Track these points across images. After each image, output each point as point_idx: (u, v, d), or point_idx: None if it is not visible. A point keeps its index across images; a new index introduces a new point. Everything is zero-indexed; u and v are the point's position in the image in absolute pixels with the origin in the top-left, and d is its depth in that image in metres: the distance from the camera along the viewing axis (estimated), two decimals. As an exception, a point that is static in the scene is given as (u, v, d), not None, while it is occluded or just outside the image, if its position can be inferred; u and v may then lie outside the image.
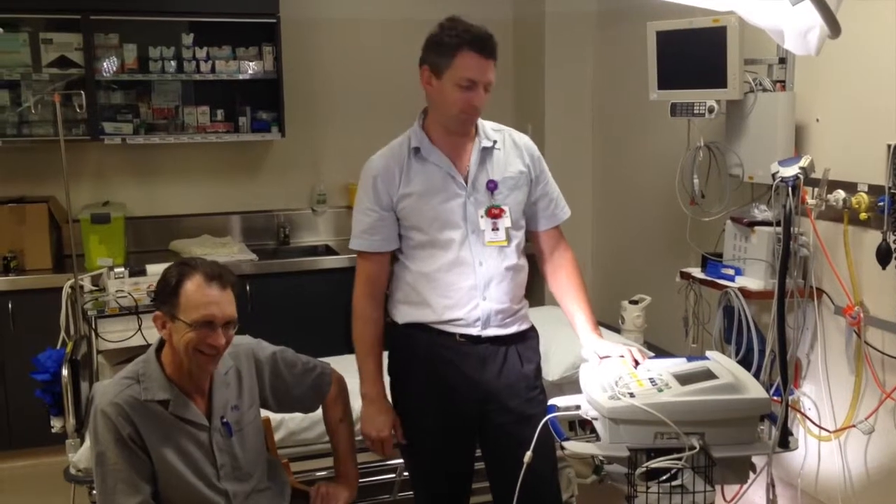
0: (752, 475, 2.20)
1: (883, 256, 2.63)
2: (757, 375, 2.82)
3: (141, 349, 2.27)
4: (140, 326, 3.33)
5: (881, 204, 2.65)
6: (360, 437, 2.79)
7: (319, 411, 2.50)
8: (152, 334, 2.19)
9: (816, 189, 2.82)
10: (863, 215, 2.71)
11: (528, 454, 2.12)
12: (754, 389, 2.11)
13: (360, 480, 2.53)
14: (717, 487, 2.15)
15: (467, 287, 2.32)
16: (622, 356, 2.33)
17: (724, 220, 3.24)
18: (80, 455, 2.68)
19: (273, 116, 4.61)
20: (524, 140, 2.47)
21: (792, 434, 2.24)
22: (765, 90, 3.06)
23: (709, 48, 3.03)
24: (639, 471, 2.01)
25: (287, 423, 2.83)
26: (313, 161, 4.94)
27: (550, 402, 2.31)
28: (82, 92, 3.88)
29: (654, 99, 3.30)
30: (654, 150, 4.07)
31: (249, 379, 2.30)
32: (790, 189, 2.39)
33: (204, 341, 2.08)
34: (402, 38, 4.84)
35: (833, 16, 1.92)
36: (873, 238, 2.70)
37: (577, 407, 2.25)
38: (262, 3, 4.44)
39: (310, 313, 4.32)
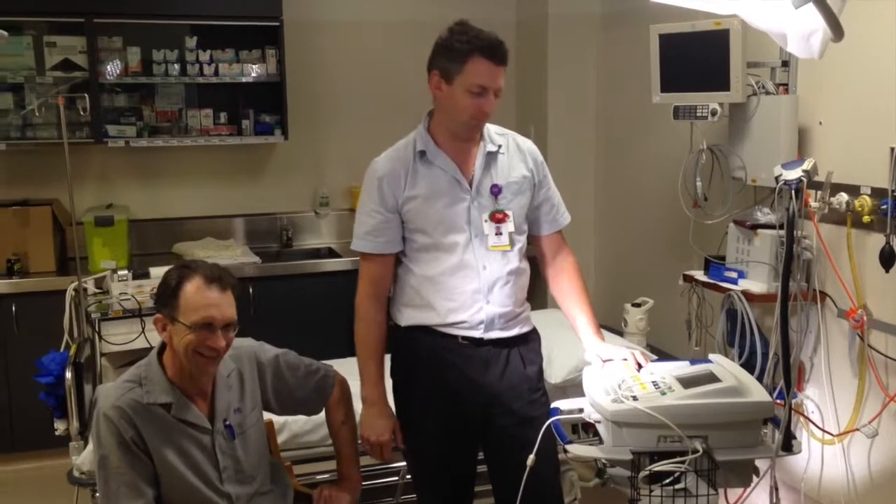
0: (755, 478, 2.20)
1: (886, 259, 2.62)
2: (760, 379, 2.82)
3: (144, 352, 2.27)
4: (143, 329, 3.33)
5: (884, 207, 2.64)
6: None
7: (322, 414, 2.50)
8: (155, 337, 2.19)
9: (819, 192, 2.82)
10: (866, 218, 2.71)
11: (531, 457, 2.12)
12: (757, 393, 2.11)
13: (363, 483, 2.53)
14: (721, 491, 2.15)
15: (471, 291, 2.32)
16: (625, 359, 2.33)
17: (726, 222, 3.24)
18: (84, 458, 2.68)
19: (276, 119, 4.62)
20: (528, 144, 2.47)
21: (795, 437, 2.24)
22: (768, 93, 3.06)
23: (712, 51, 3.03)
24: (642, 474, 2.01)
25: (290, 425, 2.83)
26: (316, 164, 4.94)
27: (554, 404, 2.31)
28: (86, 95, 3.89)
29: (657, 102, 3.30)
30: (657, 152, 4.07)
31: (252, 381, 2.31)
32: (793, 192, 2.39)
33: (203, 343, 2.08)
34: (405, 40, 4.86)
35: (836, 19, 1.92)
36: (876, 241, 2.69)
37: (580, 410, 2.25)
38: (266, 6, 4.44)
39: (312, 316, 4.33)
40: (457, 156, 2.34)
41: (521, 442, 2.25)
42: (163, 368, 2.16)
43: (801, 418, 3.05)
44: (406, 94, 4.81)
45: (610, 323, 3.74)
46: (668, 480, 2.02)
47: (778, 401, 2.32)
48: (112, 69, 4.34)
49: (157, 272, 3.42)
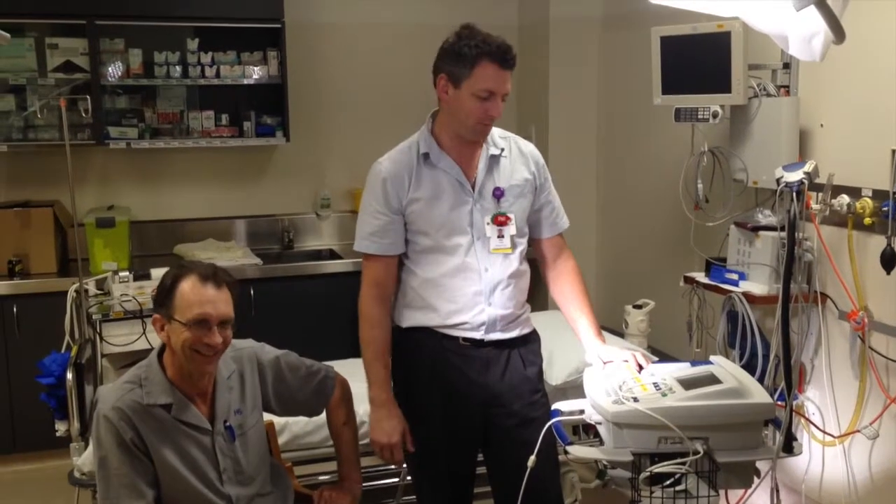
0: (756, 480, 2.20)
1: (887, 261, 2.62)
2: (761, 380, 2.81)
3: (145, 353, 2.27)
4: (144, 330, 3.34)
5: (885, 209, 2.64)
6: (364, 441, 2.80)
7: (323, 415, 2.50)
8: (156, 338, 2.20)
9: (821, 194, 2.82)
10: (867, 220, 2.71)
11: (532, 458, 2.12)
12: (758, 394, 2.11)
13: (364, 485, 2.53)
14: (721, 492, 2.15)
15: (472, 293, 2.33)
16: (626, 361, 2.33)
17: (728, 224, 3.24)
18: (85, 459, 2.69)
19: (278, 121, 4.62)
20: (529, 148, 2.48)
21: (796, 439, 2.24)
22: (769, 95, 3.06)
23: (713, 53, 3.03)
24: (642, 475, 2.01)
25: (291, 426, 2.83)
26: (317, 165, 4.95)
27: (554, 406, 2.31)
28: (88, 97, 3.91)
29: (659, 104, 3.31)
30: (658, 154, 4.07)
31: (252, 383, 2.31)
32: (794, 194, 2.39)
33: (200, 341, 2.08)
34: (406, 42, 4.87)
35: (837, 21, 1.92)
36: (877, 243, 2.69)
37: (581, 411, 2.25)
38: (267, 9, 4.45)
39: (313, 317, 4.33)
40: (460, 158, 2.34)
41: (521, 443, 2.25)
42: (163, 369, 2.16)
43: (802, 420, 3.05)
44: (407, 96, 4.83)
45: (611, 324, 3.74)
46: (668, 482, 2.02)
47: (779, 402, 2.33)
48: (114, 71, 4.35)
49: (158, 273, 3.41)
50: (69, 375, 2.82)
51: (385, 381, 2.35)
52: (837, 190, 2.80)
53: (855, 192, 2.77)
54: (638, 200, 4.36)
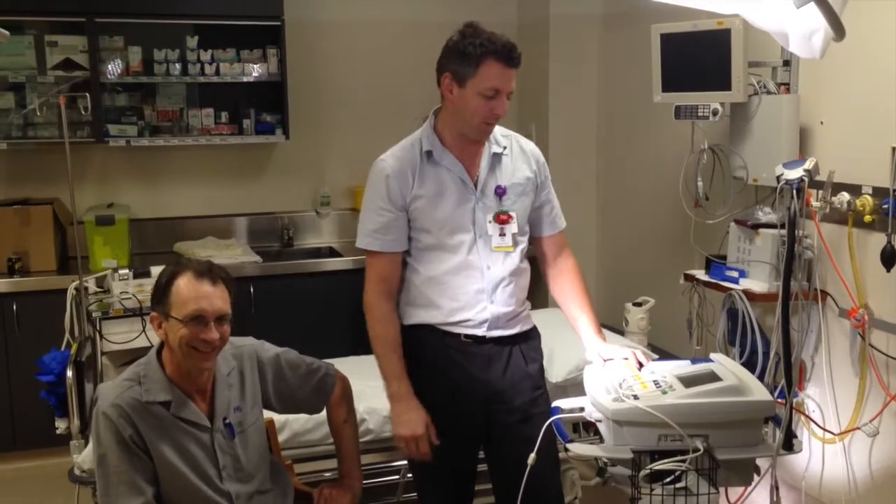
0: (756, 477, 2.20)
1: (887, 259, 2.62)
2: (761, 378, 2.82)
3: (145, 350, 2.27)
4: (144, 328, 3.34)
5: (885, 206, 2.64)
6: (365, 439, 2.80)
7: (324, 413, 2.50)
8: (156, 336, 2.20)
9: (821, 191, 2.82)
10: (867, 218, 2.71)
11: (532, 456, 2.12)
12: (758, 392, 2.11)
13: (364, 482, 2.53)
14: (721, 489, 2.15)
15: (475, 290, 2.33)
16: (626, 358, 2.33)
17: (728, 222, 3.24)
18: (85, 456, 2.69)
19: (277, 119, 4.62)
20: (530, 146, 2.48)
21: (796, 436, 2.25)
22: (769, 93, 3.06)
23: (713, 51, 3.03)
24: (642, 473, 2.01)
25: (291, 424, 2.83)
26: (317, 163, 4.94)
27: (554, 403, 2.32)
28: (87, 94, 3.89)
29: (659, 101, 3.31)
30: (658, 152, 4.07)
31: (252, 380, 2.31)
32: (795, 191, 2.39)
33: (197, 337, 2.08)
34: (406, 40, 4.87)
35: (837, 18, 1.92)
36: (878, 240, 2.69)
37: (581, 409, 2.25)
38: (267, 6, 4.44)
39: (313, 315, 4.33)
40: (463, 156, 2.34)
41: (521, 439, 2.25)
42: (162, 367, 2.16)
43: (802, 417, 3.05)
44: (407, 93, 4.82)
45: (611, 322, 3.74)
46: (668, 479, 2.02)
47: (779, 400, 2.32)
48: (113, 68, 4.35)
49: (158, 271, 3.43)
50: (69, 373, 2.82)
51: (402, 374, 2.32)
52: (838, 187, 2.80)
53: (855, 190, 2.77)
54: (638, 198, 4.36)
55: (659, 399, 2.06)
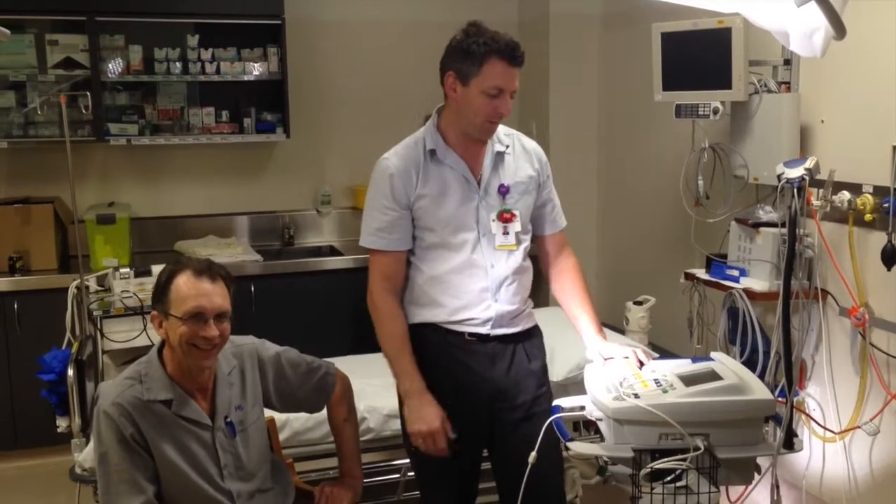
0: (756, 476, 2.20)
1: (888, 258, 2.62)
2: (762, 377, 2.82)
3: (146, 349, 2.28)
4: (145, 326, 3.34)
5: (886, 205, 2.64)
6: (366, 437, 2.81)
7: (324, 411, 2.50)
8: (157, 334, 2.20)
9: (821, 190, 2.81)
10: (868, 216, 2.71)
11: (533, 454, 2.13)
12: (759, 391, 2.11)
13: (365, 481, 2.54)
14: (722, 488, 2.15)
15: (479, 289, 2.33)
16: (627, 357, 2.33)
17: (728, 221, 3.24)
18: (86, 455, 2.69)
19: (278, 118, 4.62)
20: (532, 145, 2.48)
21: (797, 435, 2.24)
22: (770, 91, 3.05)
23: (714, 50, 3.03)
24: (643, 472, 2.01)
25: (292, 423, 2.83)
26: (318, 162, 4.95)
27: (555, 402, 2.31)
28: (88, 93, 3.90)
29: (659, 100, 3.30)
30: (659, 151, 4.07)
31: (253, 379, 2.31)
32: (795, 190, 2.38)
33: (197, 334, 2.09)
34: (407, 39, 4.87)
35: (838, 17, 1.92)
36: (878, 239, 2.69)
37: (582, 408, 2.25)
38: (267, 5, 4.44)
39: (314, 314, 4.33)
40: (466, 155, 2.34)
41: (524, 437, 2.25)
42: (163, 365, 2.16)
43: (803, 416, 3.05)
44: (407, 92, 4.83)
45: (612, 321, 3.74)
46: (669, 478, 2.02)
47: (779, 399, 2.32)
48: (114, 67, 4.35)
49: (159, 270, 3.43)
50: (70, 372, 2.83)
51: (414, 370, 2.30)
52: (838, 186, 2.80)
53: (856, 189, 2.77)
54: (639, 197, 4.36)
55: (659, 398, 2.06)
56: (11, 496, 3.84)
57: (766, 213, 3.08)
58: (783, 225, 2.85)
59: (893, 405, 2.73)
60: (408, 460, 2.89)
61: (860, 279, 2.82)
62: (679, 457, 1.99)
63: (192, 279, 2.11)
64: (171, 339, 2.12)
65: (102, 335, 3.48)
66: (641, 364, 2.31)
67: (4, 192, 4.42)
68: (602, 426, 2.16)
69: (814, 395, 3.05)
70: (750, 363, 2.95)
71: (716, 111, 3.08)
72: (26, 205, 4.21)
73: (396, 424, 2.89)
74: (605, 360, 2.36)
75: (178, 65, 4.42)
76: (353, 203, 4.98)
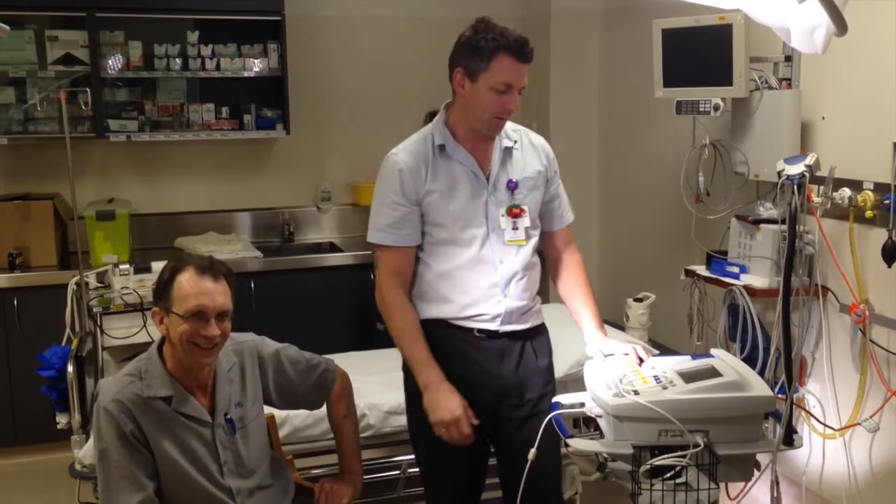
0: (756, 473, 2.20)
1: (888, 254, 2.62)
2: (762, 373, 2.82)
3: (146, 346, 2.27)
4: (145, 323, 3.34)
5: (887, 202, 2.64)
6: (366, 434, 2.81)
7: (324, 408, 2.50)
8: (157, 331, 2.20)
9: (822, 187, 2.81)
10: (868, 213, 2.71)
11: (532, 451, 2.13)
12: (759, 387, 2.11)
13: (365, 477, 2.54)
14: (722, 485, 2.15)
15: (488, 285, 2.32)
16: (626, 354, 2.33)
17: (729, 217, 3.24)
18: (86, 451, 2.69)
19: (278, 114, 4.62)
20: (540, 140, 2.48)
21: (796, 432, 2.25)
22: (771, 88, 3.05)
23: (715, 46, 3.02)
24: (643, 468, 2.02)
25: (291, 419, 2.83)
26: (318, 158, 4.94)
27: (555, 399, 2.31)
28: (88, 89, 3.90)
29: (660, 97, 3.30)
30: (660, 147, 4.07)
31: (253, 376, 2.31)
32: (796, 187, 2.38)
33: (198, 333, 2.09)
34: (407, 36, 4.86)
35: (840, 13, 1.91)
36: (879, 236, 2.69)
37: (582, 404, 2.25)
38: (267, 1, 4.44)
39: (314, 310, 4.33)
40: (475, 151, 2.34)
41: (529, 435, 2.24)
42: (163, 362, 2.16)
43: (803, 413, 3.05)
44: (408, 89, 4.82)
45: (612, 317, 3.74)
46: (669, 474, 2.02)
47: (779, 395, 2.33)
48: (114, 63, 4.34)
49: (159, 266, 3.40)
50: (70, 368, 2.83)
51: (430, 361, 2.27)
52: (839, 183, 2.79)
53: (856, 185, 2.77)
54: (639, 194, 4.36)
55: (659, 394, 2.06)
56: (11, 492, 3.84)
57: (766, 210, 3.08)
58: (783, 222, 2.85)
59: (893, 402, 2.73)
60: (408, 457, 2.91)
61: (860, 276, 2.82)
62: (679, 453, 1.99)
63: (194, 277, 2.11)
64: (171, 337, 2.12)
65: (102, 332, 3.48)
66: (641, 361, 2.31)
67: (4, 189, 4.42)
68: (602, 423, 2.16)
69: (814, 392, 3.05)
70: (750, 360, 2.95)
71: (716, 108, 3.08)
72: (26, 201, 4.20)
73: (396, 421, 2.91)
74: (605, 356, 2.36)
75: (178, 61, 4.42)
76: (353, 200, 4.98)
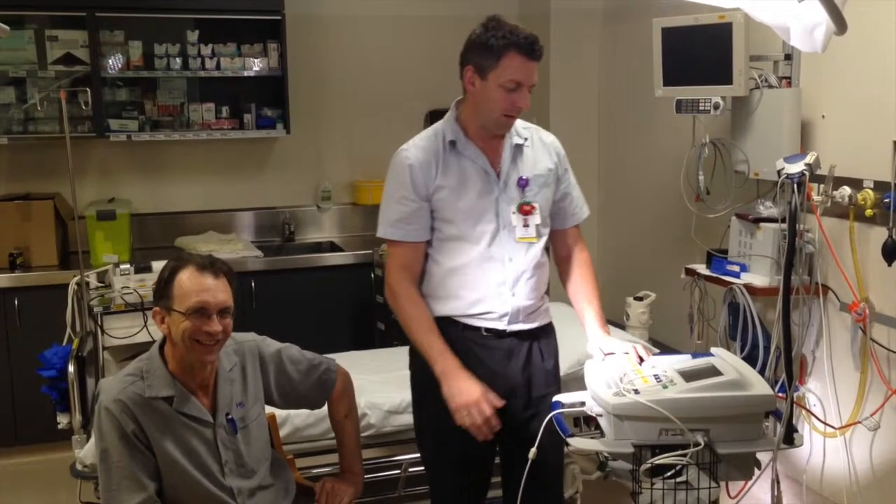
0: (756, 471, 2.20)
1: (889, 253, 2.62)
2: (762, 372, 2.82)
3: (146, 345, 2.28)
4: (146, 323, 3.34)
5: (887, 200, 2.64)
6: (366, 434, 2.81)
7: (325, 407, 2.50)
8: (158, 331, 2.20)
9: (822, 185, 2.81)
10: (868, 212, 2.71)
11: (533, 451, 2.13)
12: (759, 386, 2.11)
13: (365, 476, 2.54)
14: (722, 484, 2.15)
15: (496, 283, 2.32)
16: (627, 353, 2.33)
17: (729, 216, 3.24)
18: (87, 451, 2.69)
19: (278, 113, 4.62)
20: (550, 138, 2.49)
21: (797, 430, 2.24)
22: (770, 87, 3.05)
23: (714, 45, 3.02)
24: (643, 467, 2.02)
25: (292, 419, 2.83)
26: (318, 158, 4.94)
27: (555, 398, 2.31)
28: (88, 89, 3.90)
29: (660, 95, 3.30)
30: (660, 146, 4.07)
31: (254, 376, 2.31)
32: (796, 185, 2.38)
33: (200, 330, 2.09)
34: (407, 35, 4.86)
35: (839, 12, 1.92)
36: (879, 234, 2.69)
37: (582, 403, 2.25)
38: (267, 1, 4.44)
39: (314, 310, 4.33)
40: (486, 148, 2.34)
41: (533, 435, 2.24)
42: (164, 362, 2.16)
43: (803, 411, 3.05)
44: (408, 88, 4.82)
45: (612, 316, 3.72)
46: (669, 473, 2.02)
47: (780, 394, 2.33)
48: (114, 63, 4.34)
49: (159, 266, 3.40)
50: (70, 368, 2.83)
51: (445, 350, 2.26)
52: (839, 181, 2.79)
53: (856, 184, 2.77)
54: (639, 192, 4.36)
55: (660, 393, 2.06)
56: (12, 492, 3.85)
57: (766, 209, 3.08)
58: (784, 220, 2.85)
59: (894, 400, 2.73)
60: (408, 456, 2.91)
61: (861, 274, 2.82)
62: (679, 452, 1.99)
63: (195, 275, 2.11)
64: (173, 335, 2.12)
65: (103, 331, 3.48)
66: (641, 360, 2.31)
67: (5, 189, 4.42)
68: (602, 422, 2.16)
69: (814, 391, 3.05)
70: (750, 359, 2.95)
71: (716, 106, 3.08)
72: (27, 201, 4.20)
73: (397, 420, 2.91)
74: (605, 354, 2.36)
75: (178, 60, 4.42)
76: (353, 199, 4.98)
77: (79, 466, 2.70)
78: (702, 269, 3.33)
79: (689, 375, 2.12)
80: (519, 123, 2.40)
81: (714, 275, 3.24)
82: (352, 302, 4.41)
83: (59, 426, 2.92)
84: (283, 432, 2.73)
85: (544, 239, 2.40)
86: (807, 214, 2.92)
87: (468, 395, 2.20)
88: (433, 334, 2.28)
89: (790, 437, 2.19)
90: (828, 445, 2.99)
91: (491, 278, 2.32)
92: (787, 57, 3.06)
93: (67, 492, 3.05)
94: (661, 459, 2.00)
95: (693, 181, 3.31)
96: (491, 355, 2.33)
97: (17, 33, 4.18)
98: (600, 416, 2.16)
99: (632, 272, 4.45)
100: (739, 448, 2.07)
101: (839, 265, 2.88)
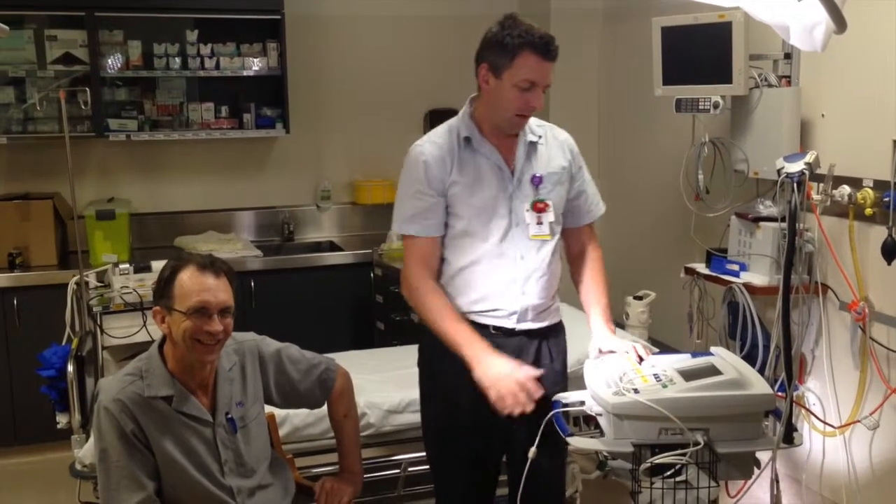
0: (756, 471, 2.20)
1: (888, 252, 2.62)
2: (761, 371, 2.82)
3: (146, 345, 2.27)
4: (145, 322, 3.34)
5: (886, 199, 2.64)
6: (366, 433, 2.80)
7: (325, 407, 2.50)
8: (157, 330, 2.20)
9: (822, 184, 2.81)
10: (868, 211, 2.71)
11: (533, 450, 2.13)
12: (759, 385, 2.11)
13: (365, 476, 2.53)
14: (722, 483, 2.15)
15: (507, 280, 2.31)
16: (626, 352, 2.32)
17: (728, 215, 3.24)
18: (86, 451, 2.69)
19: (278, 113, 4.62)
20: (564, 135, 2.48)
21: (796, 430, 2.25)
22: (770, 86, 3.05)
23: (714, 44, 3.03)
24: (643, 466, 2.01)
25: (292, 418, 2.83)
26: (318, 157, 4.94)
27: (555, 397, 2.31)
28: (87, 89, 3.89)
29: (659, 94, 3.30)
30: (659, 145, 4.07)
31: (254, 375, 2.31)
32: (795, 184, 2.38)
33: (201, 329, 2.09)
34: (407, 34, 4.86)
35: (839, 11, 1.91)
36: (879, 233, 2.69)
37: (582, 402, 2.25)
38: (267, 0, 4.44)
39: (314, 309, 4.33)
40: (500, 145, 2.33)
41: (533, 436, 2.24)
42: (164, 362, 2.16)
43: (803, 410, 3.05)
44: (407, 87, 4.82)
45: (612, 316, 3.74)
46: (669, 473, 2.02)
47: (779, 393, 2.33)
48: (113, 63, 4.34)
49: (159, 266, 3.40)
50: (70, 368, 2.83)
51: (472, 336, 2.22)
52: (838, 180, 2.79)
53: (856, 183, 2.77)
54: (639, 191, 4.35)
55: (659, 393, 2.05)
56: (11, 492, 3.85)
57: (766, 208, 3.08)
58: (783, 219, 2.85)
59: (893, 399, 2.73)
60: (408, 455, 2.91)
61: (860, 273, 2.82)
62: (679, 451, 1.99)
63: (195, 274, 2.11)
64: (173, 335, 2.12)
65: (102, 331, 3.48)
66: (641, 359, 2.30)
67: (4, 188, 4.42)
68: (602, 421, 2.16)
69: (814, 390, 3.05)
70: (750, 358, 2.95)
71: (716, 105, 3.08)
72: (26, 200, 4.21)
73: (396, 420, 2.91)
74: (603, 353, 2.35)
75: (178, 60, 4.42)
76: (352, 198, 4.97)
77: (78, 466, 2.70)
78: (701, 268, 3.33)
79: (688, 375, 2.12)
80: (533, 121, 2.40)
81: (713, 274, 3.24)
82: (351, 301, 4.41)
83: (59, 426, 2.92)
84: (282, 432, 2.72)
85: (557, 238, 2.39)
86: (806, 213, 2.92)
87: (501, 369, 2.15)
88: (458, 321, 2.25)
89: (790, 436, 2.19)
90: (827, 444, 2.99)
91: (501, 275, 2.31)
92: (787, 56, 3.06)
93: (67, 492, 3.05)
94: (660, 459, 1.99)
95: (693, 180, 3.31)
96: (500, 354, 2.33)
97: (17, 33, 4.18)
98: (600, 415, 2.16)
99: (631, 271, 4.44)
100: (739, 447, 2.07)
101: (839, 264, 2.88)
